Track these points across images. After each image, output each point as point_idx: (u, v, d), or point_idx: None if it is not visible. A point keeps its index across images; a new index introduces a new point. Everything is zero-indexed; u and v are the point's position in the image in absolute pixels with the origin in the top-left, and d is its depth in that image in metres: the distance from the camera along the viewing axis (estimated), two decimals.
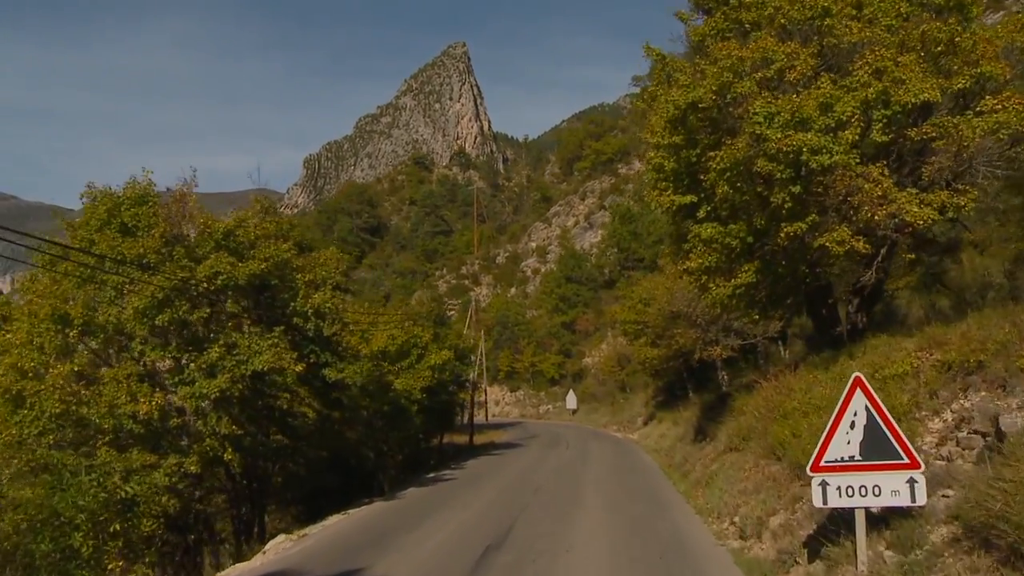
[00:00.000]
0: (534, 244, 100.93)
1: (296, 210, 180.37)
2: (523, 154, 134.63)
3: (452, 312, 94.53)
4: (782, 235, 14.84)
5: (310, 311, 17.64)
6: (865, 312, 17.91)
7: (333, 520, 17.47)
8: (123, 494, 13.14)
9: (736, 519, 13.33)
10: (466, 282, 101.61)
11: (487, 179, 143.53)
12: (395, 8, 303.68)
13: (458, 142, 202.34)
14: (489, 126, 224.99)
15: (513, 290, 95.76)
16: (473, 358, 37.06)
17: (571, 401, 67.17)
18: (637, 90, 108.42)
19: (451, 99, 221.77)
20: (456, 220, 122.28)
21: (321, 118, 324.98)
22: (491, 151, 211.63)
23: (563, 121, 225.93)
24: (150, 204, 16.72)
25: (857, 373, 8.52)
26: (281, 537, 15.82)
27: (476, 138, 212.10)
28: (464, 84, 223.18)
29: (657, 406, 45.67)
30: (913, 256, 16.49)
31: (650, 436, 37.95)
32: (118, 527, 13.02)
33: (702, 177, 17.65)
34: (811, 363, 17.75)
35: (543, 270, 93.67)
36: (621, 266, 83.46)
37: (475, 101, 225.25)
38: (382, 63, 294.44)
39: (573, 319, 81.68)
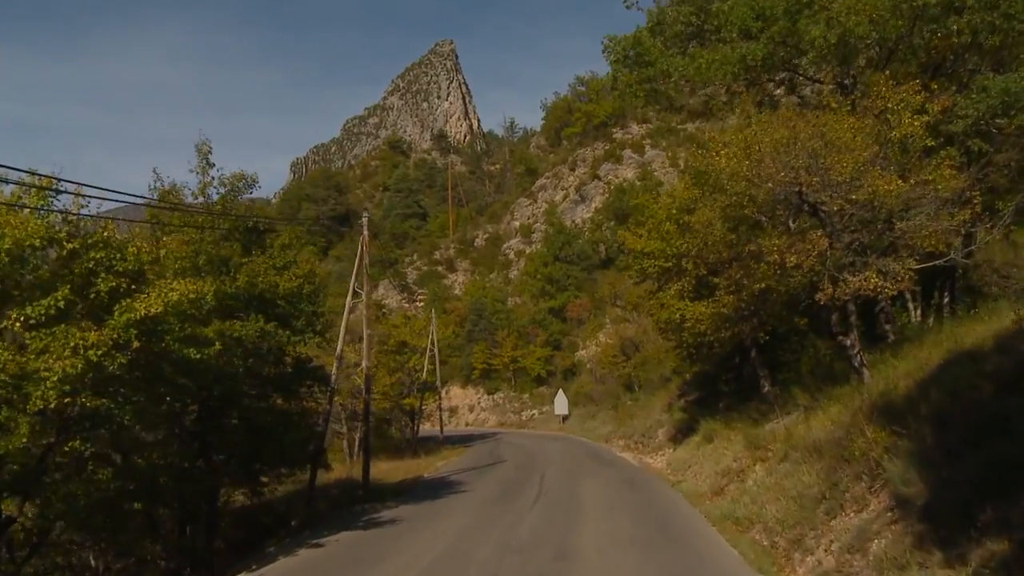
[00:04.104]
0: (517, 223, 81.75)
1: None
2: (510, 132, 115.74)
3: (419, 300, 75.45)
4: None
5: None
6: None
7: None
8: None
9: None
10: (440, 268, 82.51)
11: (470, 163, 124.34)
12: (387, 13, 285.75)
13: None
14: (479, 124, 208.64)
15: (493, 275, 76.66)
16: (308, 323, 17.15)
17: (560, 405, 47.96)
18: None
19: (439, 98, 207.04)
20: (434, 206, 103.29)
21: (314, 123, 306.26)
22: (480, 149, 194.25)
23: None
24: None
25: None
26: None
27: (466, 136, 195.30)
28: (452, 82, 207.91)
29: (691, 410, 26.50)
30: None
31: (696, 468, 18.82)
32: None
33: None
34: None
35: (528, 251, 74.57)
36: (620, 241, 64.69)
37: (464, 99, 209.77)
38: (376, 68, 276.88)
39: (563, 304, 62.58)
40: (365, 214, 21.53)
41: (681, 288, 19.44)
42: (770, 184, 12.68)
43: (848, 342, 15.34)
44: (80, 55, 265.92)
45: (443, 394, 64.14)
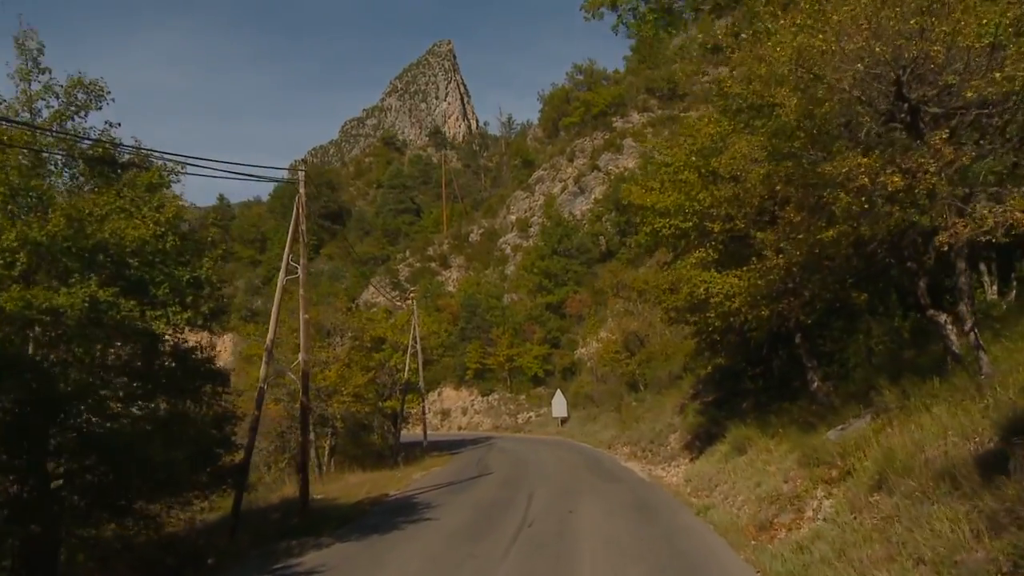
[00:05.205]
0: (514, 217, 77.20)
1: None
2: (507, 128, 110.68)
3: (411, 297, 70.78)
4: None
5: None
6: None
7: None
8: None
9: None
10: (433, 264, 77.91)
11: (466, 158, 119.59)
12: (385, 15, 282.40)
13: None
14: (477, 124, 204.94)
15: (489, 271, 72.14)
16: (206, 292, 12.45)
17: (559, 407, 43.44)
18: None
19: (437, 98, 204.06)
20: (428, 202, 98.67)
21: (313, 126, 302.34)
22: (476, 146, 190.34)
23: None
24: None
25: None
26: None
27: (464, 137, 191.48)
28: (450, 83, 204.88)
29: (710, 411, 21.92)
30: None
31: (726, 488, 14.28)
32: None
33: None
34: None
35: (525, 246, 70.05)
36: (622, 232, 60.32)
37: (462, 100, 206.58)
38: (374, 70, 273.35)
39: (561, 300, 58.05)
40: (301, 169, 16.95)
41: (704, 256, 14.86)
42: (860, 65, 8.10)
43: (942, 319, 10.89)
44: (78, 59, 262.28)
45: (436, 396, 59.61)
